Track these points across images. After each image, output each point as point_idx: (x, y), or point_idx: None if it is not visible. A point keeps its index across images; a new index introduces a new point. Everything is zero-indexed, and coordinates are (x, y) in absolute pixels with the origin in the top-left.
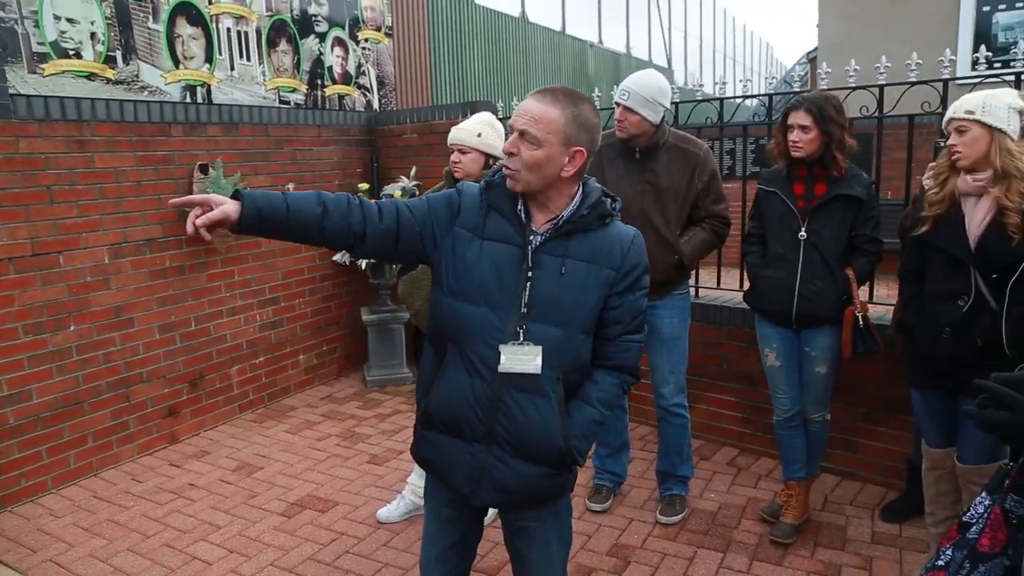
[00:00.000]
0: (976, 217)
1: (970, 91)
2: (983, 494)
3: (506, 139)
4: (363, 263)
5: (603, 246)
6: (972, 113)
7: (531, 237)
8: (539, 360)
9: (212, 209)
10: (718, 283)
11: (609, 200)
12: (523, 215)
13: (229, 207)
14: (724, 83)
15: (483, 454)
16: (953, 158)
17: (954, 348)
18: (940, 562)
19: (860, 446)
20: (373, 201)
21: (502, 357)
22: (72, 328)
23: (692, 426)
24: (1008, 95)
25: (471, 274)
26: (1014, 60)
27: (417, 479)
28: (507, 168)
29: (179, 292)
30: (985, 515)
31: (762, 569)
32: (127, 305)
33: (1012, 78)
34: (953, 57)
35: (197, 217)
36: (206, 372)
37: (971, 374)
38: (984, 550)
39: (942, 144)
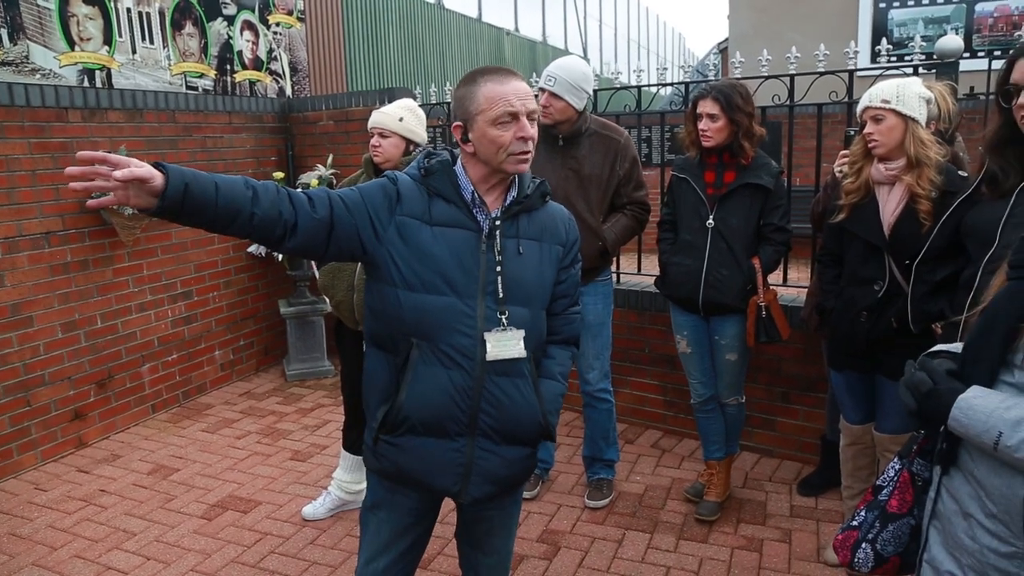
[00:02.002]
0: (889, 205)
1: (873, 82)
2: (895, 459)
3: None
4: (279, 255)
5: (548, 224)
6: (888, 102)
7: (484, 221)
8: (522, 344)
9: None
10: (639, 269)
11: (540, 179)
12: (472, 199)
13: (154, 171)
14: (641, 71)
15: (468, 448)
16: (870, 145)
17: (871, 331)
18: (854, 522)
19: (778, 424)
20: (301, 191)
21: (488, 345)
22: None
23: (617, 410)
24: (916, 84)
25: (429, 262)
26: (911, 53)
27: (343, 474)
28: (525, 153)
29: (83, 288)
30: (895, 478)
31: (689, 547)
32: (24, 303)
33: (911, 71)
34: (857, 49)
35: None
36: (115, 372)
37: (886, 353)
38: (893, 510)
39: (852, 132)
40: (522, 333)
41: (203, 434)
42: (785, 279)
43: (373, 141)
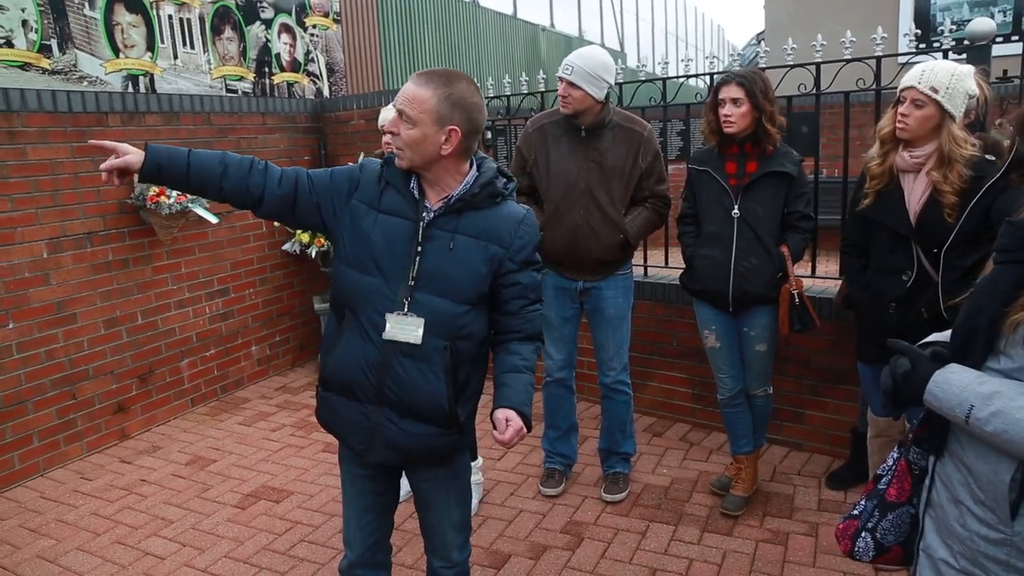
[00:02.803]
0: (915, 193)
1: (906, 66)
2: (895, 448)
3: None
4: (313, 251)
5: (492, 224)
6: (936, 91)
7: (424, 213)
8: (420, 331)
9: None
10: (666, 262)
11: (503, 180)
12: (416, 192)
13: (132, 158)
14: (666, 63)
15: (375, 414)
16: (898, 126)
17: (900, 322)
18: (855, 512)
19: (807, 417)
20: (281, 167)
21: (387, 325)
22: (11, 326)
23: (644, 404)
24: (968, 79)
25: (366, 245)
26: (942, 38)
27: None
28: (391, 146)
29: (124, 286)
30: (893, 467)
31: (713, 540)
32: (69, 300)
33: (940, 55)
34: (885, 35)
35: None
36: (155, 366)
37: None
38: (892, 499)
39: None
40: (421, 321)
41: (239, 427)
42: (814, 270)
43: (385, 138)
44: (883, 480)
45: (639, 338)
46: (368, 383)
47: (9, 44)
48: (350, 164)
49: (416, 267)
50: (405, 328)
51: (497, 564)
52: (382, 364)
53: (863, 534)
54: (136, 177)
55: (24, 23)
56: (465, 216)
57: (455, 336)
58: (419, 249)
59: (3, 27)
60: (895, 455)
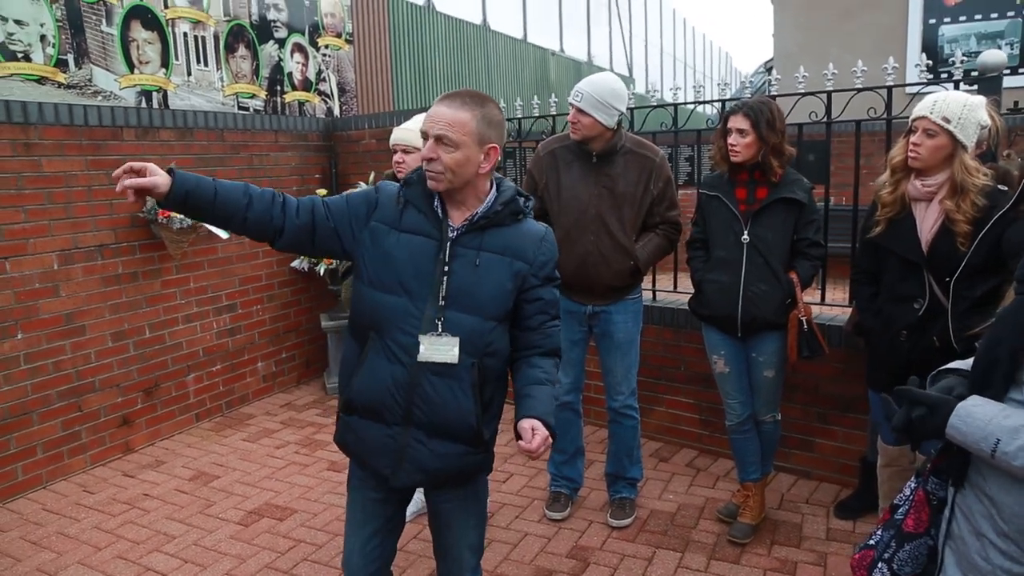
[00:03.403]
0: (927, 222)
1: (916, 96)
2: (912, 478)
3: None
4: (321, 269)
5: (515, 241)
6: (948, 121)
7: (448, 232)
8: (456, 350)
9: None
10: (675, 286)
11: (523, 199)
12: (439, 211)
13: (160, 180)
14: (678, 89)
15: (402, 436)
16: (910, 155)
17: (912, 350)
18: (871, 542)
19: (815, 445)
20: (297, 198)
21: (421, 347)
22: (20, 336)
23: (651, 428)
24: (980, 109)
25: (389, 265)
26: (952, 68)
27: None
28: (428, 172)
29: (133, 299)
30: (911, 497)
31: (720, 568)
32: (78, 312)
33: (951, 86)
34: (896, 65)
35: (128, 178)
36: (161, 380)
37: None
38: (909, 530)
39: None
40: (457, 340)
41: (244, 443)
42: (823, 297)
43: (396, 157)
44: (900, 510)
45: (647, 362)
46: (396, 404)
47: (27, 58)
48: (363, 186)
49: (444, 285)
50: (440, 348)
51: None
52: (410, 384)
53: (879, 565)
54: (151, 201)
55: (42, 38)
56: (488, 233)
57: (483, 353)
58: (446, 268)
59: (22, 41)
60: (912, 485)
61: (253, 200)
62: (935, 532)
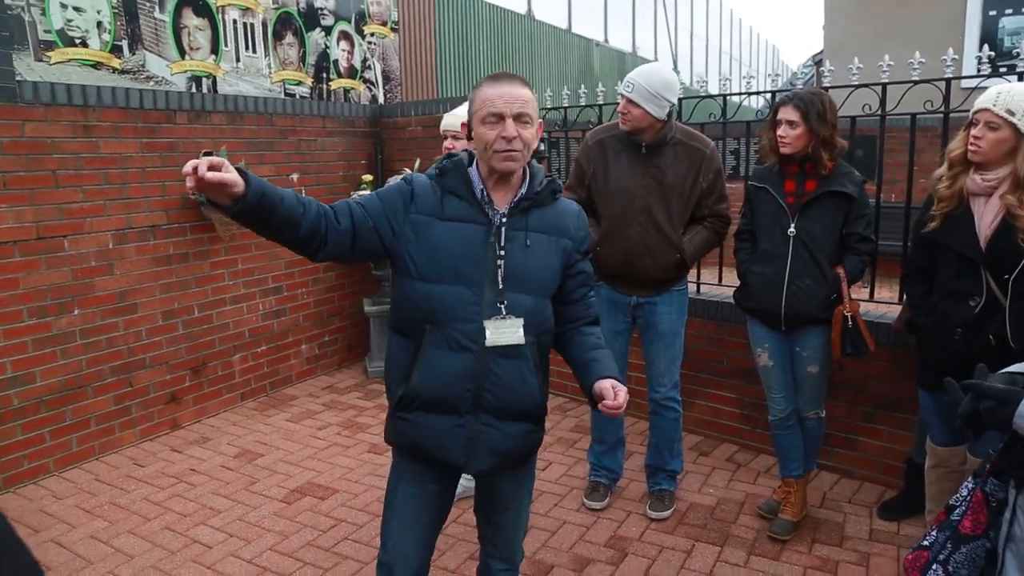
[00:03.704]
0: (986, 217)
1: (975, 90)
2: (969, 479)
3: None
4: None
5: (558, 220)
6: (1013, 114)
7: (493, 216)
8: (521, 331)
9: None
10: (719, 280)
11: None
12: (482, 195)
13: (236, 177)
14: (728, 80)
15: (473, 423)
16: (970, 149)
17: (967, 348)
18: (925, 543)
19: (859, 444)
20: (329, 205)
21: (487, 332)
22: (76, 312)
23: (692, 422)
24: None
25: (440, 254)
26: (1017, 61)
27: None
28: (510, 151)
29: (183, 279)
30: (968, 498)
31: (760, 563)
32: (131, 291)
33: (1015, 78)
34: (956, 56)
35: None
36: (208, 359)
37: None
38: (966, 532)
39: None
40: (521, 321)
41: (287, 423)
42: (872, 294)
43: (447, 143)
44: (956, 511)
45: (689, 355)
46: (466, 392)
47: (84, 44)
48: (408, 172)
49: (502, 268)
50: (506, 331)
51: (540, 574)
52: (478, 371)
53: (934, 566)
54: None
55: (99, 24)
56: (532, 214)
57: (540, 331)
58: (501, 251)
59: (79, 28)
60: (970, 485)
61: (307, 207)
62: (994, 535)
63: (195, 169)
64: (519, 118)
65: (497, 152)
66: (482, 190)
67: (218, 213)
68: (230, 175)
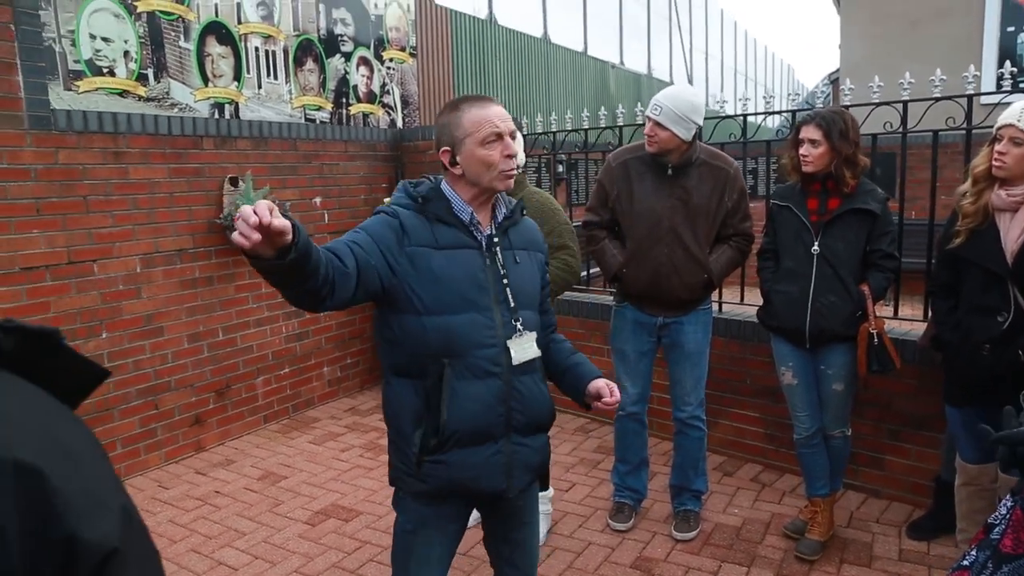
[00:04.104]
0: (1013, 232)
1: (997, 107)
2: (1008, 496)
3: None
4: None
5: (530, 235)
6: None
7: (480, 237)
8: (535, 344)
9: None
10: (742, 299)
11: None
12: (469, 218)
13: (288, 224)
14: (747, 99)
15: (507, 446)
16: (995, 164)
17: (995, 364)
18: (965, 562)
19: (886, 463)
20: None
21: (512, 352)
22: (104, 335)
23: (715, 442)
24: None
25: (445, 285)
26: None
27: None
28: (508, 171)
29: (208, 302)
30: (1008, 516)
31: None
32: (157, 314)
33: None
34: (977, 73)
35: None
36: (232, 382)
37: (1012, 389)
38: (1007, 551)
39: None
40: (534, 335)
41: (310, 445)
42: (896, 312)
43: None
44: (996, 530)
45: (712, 375)
46: (499, 418)
47: (111, 73)
48: (378, 214)
49: (510, 288)
50: (527, 348)
51: None
52: (507, 393)
53: None
54: (227, 207)
55: (126, 53)
56: (511, 232)
57: (539, 343)
58: (503, 271)
59: (107, 57)
60: (1009, 503)
61: (323, 256)
62: None
63: (257, 218)
64: (512, 135)
65: (502, 172)
66: (471, 213)
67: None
68: (282, 222)
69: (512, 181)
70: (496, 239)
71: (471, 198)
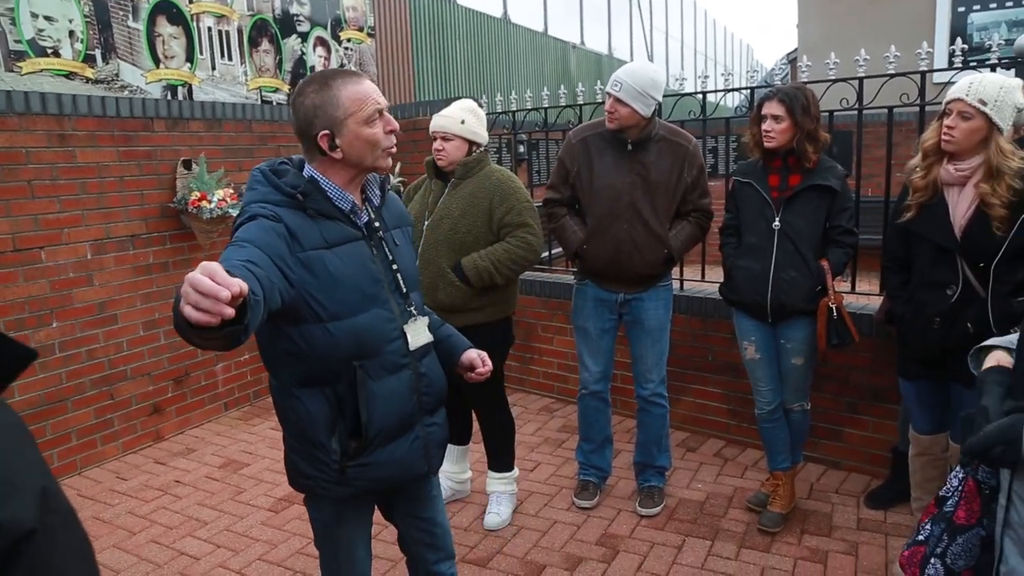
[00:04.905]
0: (960, 207)
1: (947, 84)
2: (957, 468)
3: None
4: None
5: (397, 210)
6: (984, 104)
7: (360, 224)
8: (427, 328)
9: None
10: (703, 276)
11: None
12: (352, 208)
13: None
14: (706, 77)
15: (421, 430)
16: (944, 139)
17: (945, 337)
18: (920, 537)
19: (845, 435)
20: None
21: (409, 339)
22: (55, 325)
23: (678, 419)
24: (1017, 94)
25: (343, 286)
26: (990, 53)
27: (449, 465)
28: (393, 148)
29: (163, 289)
30: (960, 488)
31: (750, 556)
32: (111, 302)
33: (988, 70)
34: (930, 50)
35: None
36: (191, 370)
37: (961, 361)
38: (961, 522)
39: None
40: (427, 319)
41: (272, 432)
42: (854, 287)
43: (436, 145)
44: (948, 502)
45: (674, 352)
46: (414, 406)
47: (56, 54)
48: (254, 217)
49: (400, 274)
50: (421, 332)
51: (532, 574)
52: (416, 380)
53: (932, 560)
54: (180, 191)
55: (71, 33)
56: (383, 213)
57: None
58: (391, 256)
59: (51, 37)
60: (960, 475)
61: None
62: (987, 522)
63: (229, 292)
64: (389, 110)
65: (386, 149)
66: (353, 201)
67: (198, 221)
68: (244, 282)
69: (449, 164)
70: (377, 224)
71: (346, 182)
